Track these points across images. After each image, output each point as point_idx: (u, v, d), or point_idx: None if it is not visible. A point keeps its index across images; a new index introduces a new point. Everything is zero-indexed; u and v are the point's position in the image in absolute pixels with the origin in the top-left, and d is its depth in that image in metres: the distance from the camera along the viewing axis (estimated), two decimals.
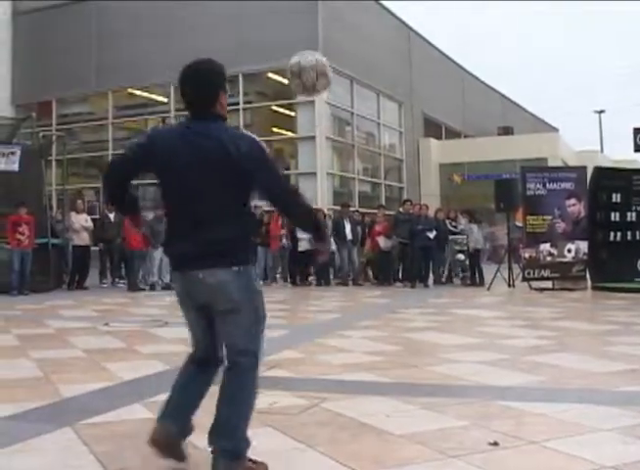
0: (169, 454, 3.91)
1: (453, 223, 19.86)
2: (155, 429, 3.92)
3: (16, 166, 17.13)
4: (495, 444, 4.30)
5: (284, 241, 19.66)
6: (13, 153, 17.16)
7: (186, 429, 3.99)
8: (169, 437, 3.90)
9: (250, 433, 3.79)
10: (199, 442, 4.06)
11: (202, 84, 3.85)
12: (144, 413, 5.09)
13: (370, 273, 20.91)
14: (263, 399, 4.78)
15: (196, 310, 3.92)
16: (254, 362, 3.83)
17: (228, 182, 3.76)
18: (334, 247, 19.30)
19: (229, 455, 3.71)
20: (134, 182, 4.01)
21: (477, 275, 18.98)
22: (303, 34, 25.92)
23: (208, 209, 3.77)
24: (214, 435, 3.77)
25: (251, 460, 3.81)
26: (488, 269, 19.07)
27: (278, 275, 20.62)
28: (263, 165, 3.82)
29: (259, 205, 19.80)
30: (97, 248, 19.20)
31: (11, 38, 31.46)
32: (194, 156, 3.75)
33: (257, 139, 3.88)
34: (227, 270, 3.73)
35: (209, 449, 3.78)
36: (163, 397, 5.52)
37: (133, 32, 28.13)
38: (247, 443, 3.77)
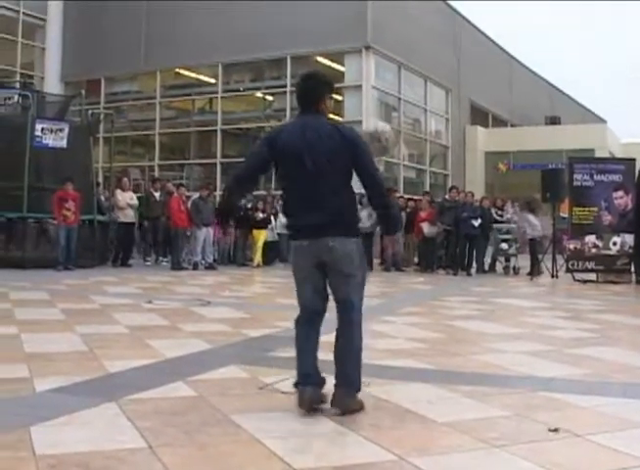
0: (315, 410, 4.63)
1: (499, 212, 19.72)
2: (299, 397, 4.64)
3: (64, 143, 17.27)
4: (555, 430, 4.30)
5: None
6: (61, 129, 17.30)
7: (321, 381, 4.74)
8: (313, 401, 4.61)
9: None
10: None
11: (310, 87, 4.87)
12: (187, 391, 5.14)
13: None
14: None
15: (315, 271, 4.72)
16: (361, 317, 4.85)
17: (341, 164, 4.66)
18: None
19: (354, 391, 4.69)
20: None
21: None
22: (352, 19, 25.83)
23: (330, 188, 4.64)
24: (342, 374, 4.71)
25: None
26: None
27: None
28: (363, 153, 4.71)
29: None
30: (142, 226, 19.37)
31: (62, 15, 31.66)
32: (313, 143, 4.64)
33: (356, 130, 4.86)
34: (351, 240, 4.69)
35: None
36: (206, 376, 5.61)
37: (183, 13, 28.14)
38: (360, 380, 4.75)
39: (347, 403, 4.61)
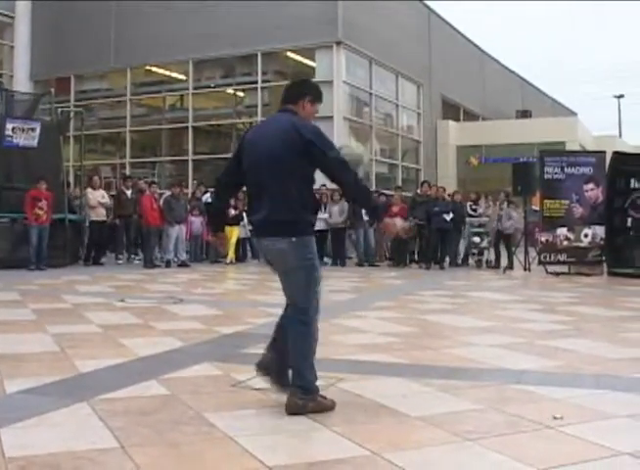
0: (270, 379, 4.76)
1: (473, 206, 19.79)
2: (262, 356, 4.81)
3: (35, 142, 17.12)
4: (560, 418, 4.41)
5: None
6: (33, 129, 17.15)
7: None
8: (267, 363, 4.75)
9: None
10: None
11: (291, 85, 4.98)
12: (159, 390, 5.12)
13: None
14: None
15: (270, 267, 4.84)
16: (306, 317, 4.63)
17: (292, 164, 4.55)
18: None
19: (300, 391, 4.52)
20: None
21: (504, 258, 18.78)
22: (323, 14, 25.78)
23: (275, 188, 4.57)
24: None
25: (321, 396, 4.64)
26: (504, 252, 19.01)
27: None
28: (322, 152, 4.54)
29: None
30: (113, 223, 19.25)
31: (30, 13, 31.38)
32: (264, 143, 4.63)
33: (317, 127, 4.71)
34: (285, 239, 4.55)
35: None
36: (179, 374, 5.59)
37: (153, 10, 27.97)
38: (313, 380, 4.61)
39: (294, 405, 4.51)
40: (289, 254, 4.57)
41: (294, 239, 4.55)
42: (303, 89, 4.88)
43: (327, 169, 4.61)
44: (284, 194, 4.55)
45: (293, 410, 4.48)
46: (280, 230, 4.56)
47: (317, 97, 4.90)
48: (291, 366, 4.62)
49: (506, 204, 19.21)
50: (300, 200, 4.59)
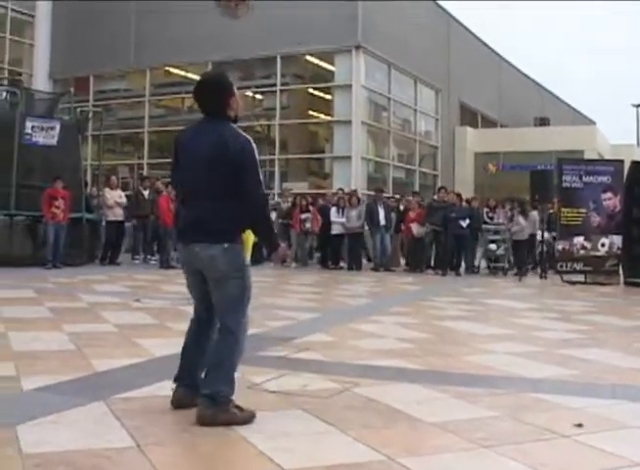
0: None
1: (490, 213, 19.74)
2: (173, 392, 4.64)
3: (54, 141, 17.19)
4: (580, 425, 4.42)
5: (307, 225, 19.56)
6: (52, 128, 17.22)
7: (194, 385, 4.57)
8: (180, 398, 4.60)
9: (235, 403, 4.39)
10: None
11: (209, 96, 4.64)
12: None
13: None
14: (294, 381, 4.78)
15: (193, 276, 4.67)
16: (235, 328, 4.50)
17: (221, 172, 4.47)
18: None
19: (207, 400, 4.32)
20: None
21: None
22: (343, 18, 25.82)
23: (205, 194, 4.52)
24: (201, 384, 4.46)
25: (237, 407, 4.42)
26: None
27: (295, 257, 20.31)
28: (244, 168, 4.47)
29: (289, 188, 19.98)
30: (130, 224, 19.31)
31: (51, 11, 31.57)
32: (197, 148, 4.56)
33: (251, 141, 4.58)
34: (216, 246, 4.47)
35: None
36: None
37: (173, 10, 28.08)
38: (227, 392, 4.37)
39: (204, 415, 4.31)
40: (220, 260, 4.48)
41: (226, 245, 4.48)
42: (218, 98, 4.62)
43: (241, 183, 4.49)
44: (215, 202, 4.48)
45: (204, 421, 4.30)
46: (212, 236, 4.48)
47: (231, 88, 4.68)
48: (206, 375, 4.48)
49: (516, 211, 19.25)
50: (233, 208, 4.49)
